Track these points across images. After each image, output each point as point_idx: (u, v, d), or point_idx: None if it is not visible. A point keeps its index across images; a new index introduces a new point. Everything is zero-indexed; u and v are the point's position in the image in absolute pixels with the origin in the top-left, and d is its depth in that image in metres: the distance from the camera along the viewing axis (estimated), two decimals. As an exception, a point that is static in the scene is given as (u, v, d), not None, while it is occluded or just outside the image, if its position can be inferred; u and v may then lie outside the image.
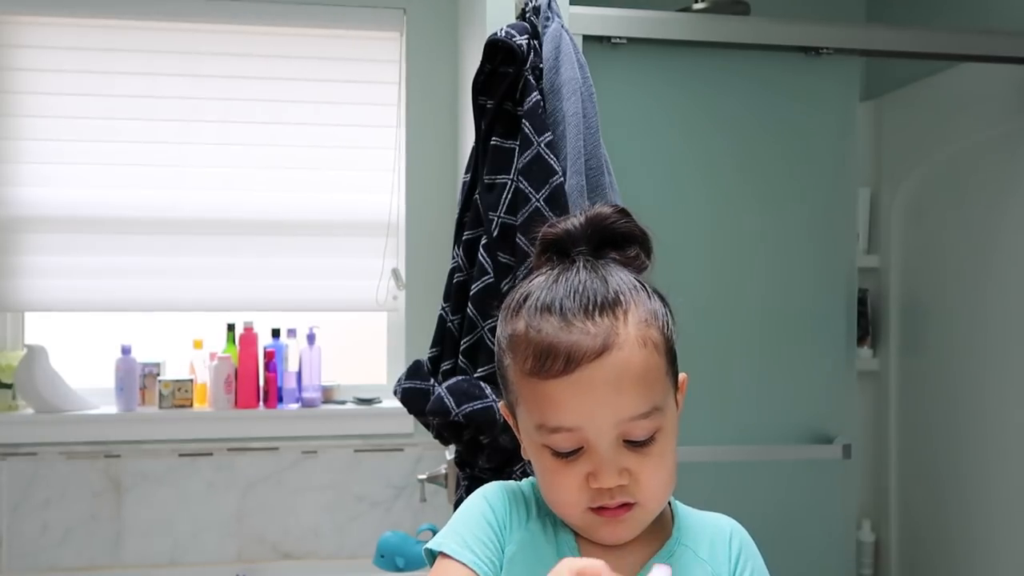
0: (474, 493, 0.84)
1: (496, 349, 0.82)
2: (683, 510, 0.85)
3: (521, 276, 1.32)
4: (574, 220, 0.80)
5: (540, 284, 0.78)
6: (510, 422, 0.83)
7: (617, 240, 0.80)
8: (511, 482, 0.85)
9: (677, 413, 0.80)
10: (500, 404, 0.84)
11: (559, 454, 0.75)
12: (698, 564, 0.80)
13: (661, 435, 0.75)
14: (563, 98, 1.49)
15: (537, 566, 0.78)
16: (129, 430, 2.42)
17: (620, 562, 0.78)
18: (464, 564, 0.77)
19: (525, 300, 0.78)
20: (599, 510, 0.76)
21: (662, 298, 0.80)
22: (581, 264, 0.78)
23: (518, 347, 0.76)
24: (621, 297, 0.75)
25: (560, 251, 0.80)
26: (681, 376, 0.81)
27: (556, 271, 0.78)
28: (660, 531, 0.82)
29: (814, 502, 1.91)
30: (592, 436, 0.73)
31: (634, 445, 0.74)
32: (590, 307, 0.74)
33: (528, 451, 0.80)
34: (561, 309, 0.74)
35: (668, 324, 0.78)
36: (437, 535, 0.81)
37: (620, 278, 0.78)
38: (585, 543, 0.80)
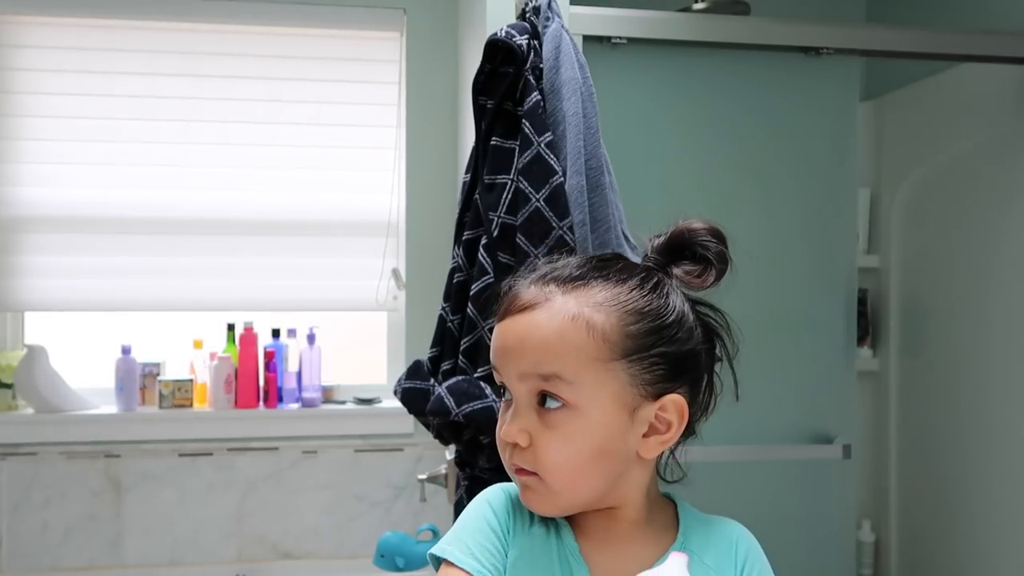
0: (477, 497, 0.84)
1: None
2: (689, 513, 0.84)
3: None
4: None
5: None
6: None
7: (692, 252, 0.85)
8: (514, 484, 0.84)
9: (633, 422, 0.78)
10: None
11: (499, 393, 0.80)
12: (703, 570, 0.79)
13: (571, 414, 0.76)
14: (563, 98, 1.49)
15: (539, 571, 0.78)
16: (129, 430, 2.42)
17: (621, 565, 0.78)
18: (468, 572, 0.77)
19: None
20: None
21: (680, 315, 0.81)
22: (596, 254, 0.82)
23: None
24: (585, 278, 0.79)
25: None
26: (669, 398, 0.79)
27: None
28: (664, 535, 0.82)
29: (814, 502, 1.91)
30: (507, 382, 0.79)
31: (544, 412, 0.77)
32: (549, 276, 0.80)
33: None
34: (537, 276, 0.81)
35: (648, 328, 0.78)
36: (441, 540, 0.80)
37: (616, 272, 0.80)
38: (587, 547, 0.79)
